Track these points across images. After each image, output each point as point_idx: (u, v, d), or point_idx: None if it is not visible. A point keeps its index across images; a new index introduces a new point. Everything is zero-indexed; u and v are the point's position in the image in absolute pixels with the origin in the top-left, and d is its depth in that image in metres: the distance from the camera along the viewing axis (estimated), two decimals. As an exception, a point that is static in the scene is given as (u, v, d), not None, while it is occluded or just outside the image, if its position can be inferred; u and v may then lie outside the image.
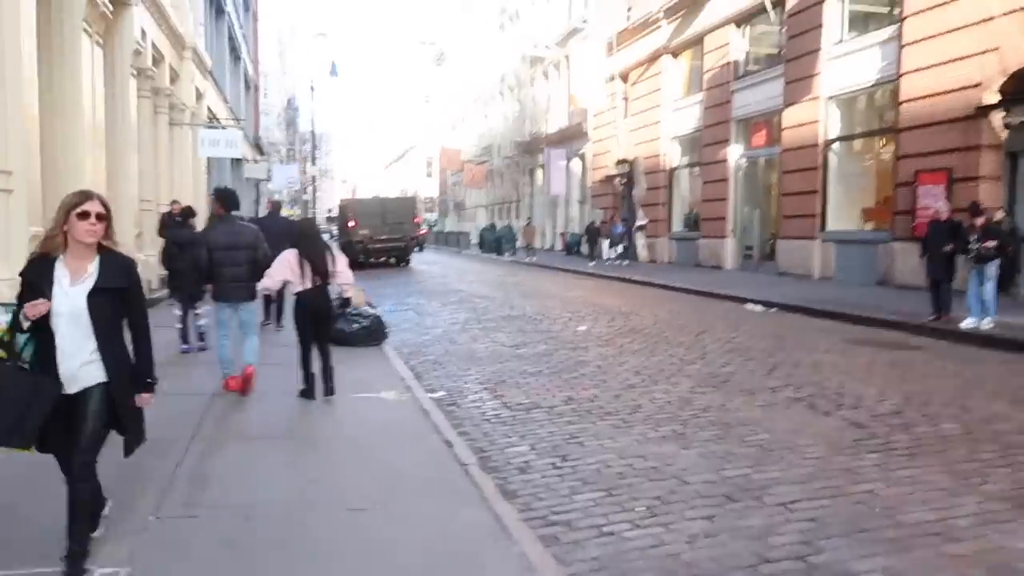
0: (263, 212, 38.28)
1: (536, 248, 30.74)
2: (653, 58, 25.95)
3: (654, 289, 17.76)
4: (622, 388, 7.32)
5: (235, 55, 31.52)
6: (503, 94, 45.90)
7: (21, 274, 3.45)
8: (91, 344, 3.26)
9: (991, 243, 9.98)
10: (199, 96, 19.28)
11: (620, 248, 25.49)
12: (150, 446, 5.15)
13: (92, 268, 3.31)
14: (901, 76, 15.26)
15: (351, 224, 27.02)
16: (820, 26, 17.72)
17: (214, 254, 6.66)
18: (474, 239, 43.52)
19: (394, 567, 3.54)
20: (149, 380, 3.54)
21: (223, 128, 18.88)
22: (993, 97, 13.30)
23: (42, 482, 3.82)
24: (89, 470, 3.36)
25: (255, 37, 42.59)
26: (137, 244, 12.15)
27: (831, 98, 17.77)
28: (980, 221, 10.25)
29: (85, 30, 9.42)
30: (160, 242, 13.28)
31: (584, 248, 28.33)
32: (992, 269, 10.09)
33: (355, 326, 9.76)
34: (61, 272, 3.29)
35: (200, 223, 10.52)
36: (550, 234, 36.64)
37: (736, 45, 21.69)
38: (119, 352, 3.38)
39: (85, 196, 3.34)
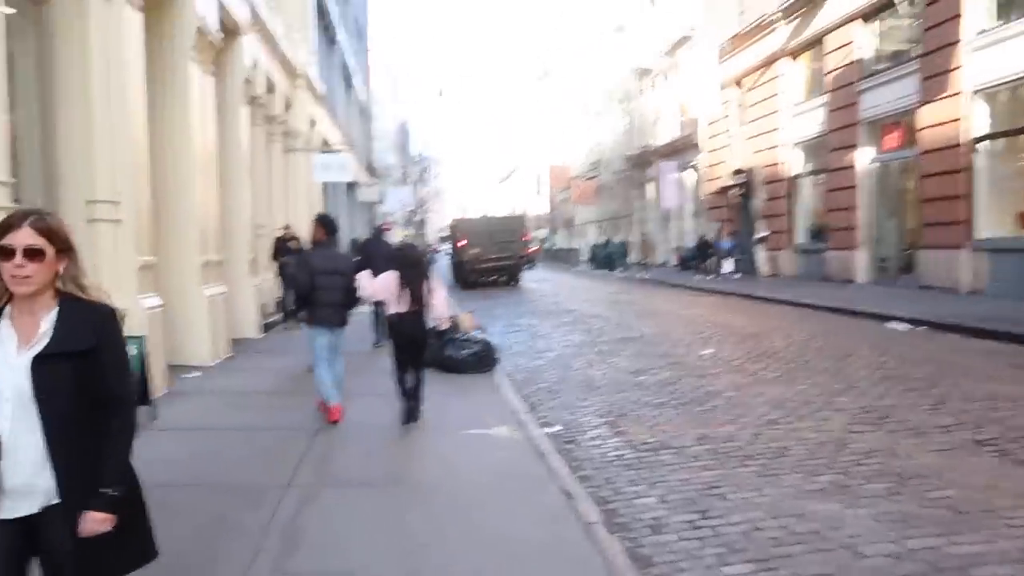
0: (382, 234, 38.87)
1: (652, 264, 29.68)
2: (769, 61, 24.59)
3: (780, 306, 16.50)
4: (762, 425, 6.45)
5: (348, 83, 32.28)
6: (610, 108, 45.12)
7: None
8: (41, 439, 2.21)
9: None
10: (312, 123, 19.60)
11: (731, 262, 24.39)
12: (244, 492, 4.85)
13: (47, 325, 2.26)
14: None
15: (460, 244, 26.96)
16: (959, 15, 16.09)
17: (314, 278, 6.69)
18: (584, 255, 42.83)
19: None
20: (108, 491, 2.27)
21: (336, 152, 19.08)
22: None
23: None
24: None
25: (367, 65, 43.73)
26: (251, 269, 12.20)
27: (976, 92, 16.04)
28: None
29: (195, 59, 9.46)
30: (274, 266, 13.44)
31: (709, 263, 27.15)
32: None
33: (464, 352, 9.29)
34: (6, 333, 2.24)
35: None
36: (663, 249, 35.47)
37: (862, 42, 20.11)
38: (78, 452, 2.25)
39: (7, 224, 2.23)
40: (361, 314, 8.79)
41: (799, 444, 5.80)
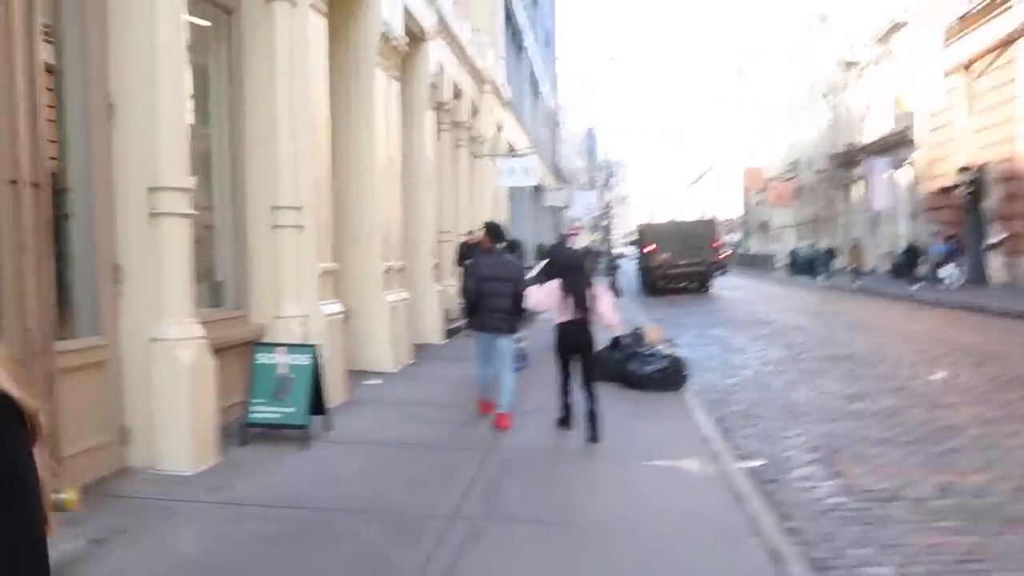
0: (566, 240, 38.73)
1: (860, 270, 27.00)
2: (1006, 43, 21.48)
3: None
4: (1025, 475, 5.18)
5: (535, 89, 32.34)
6: (813, 104, 41.96)
7: None
8: None
9: None
10: (499, 128, 19.57)
11: (951, 269, 21.59)
12: (403, 523, 4.43)
13: None
14: None
15: (648, 249, 26.00)
16: None
17: (480, 285, 6.79)
18: (781, 261, 40.13)
19: None
20: None
21: (521, 157, 18.92)
22: None
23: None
24: None
25: (554, 71, 43.80)
26: (435, 275, 12.15)
27: None
28: None
29: (380, 64, 9.45)
30: (458, 271, 13.35)
31: (919, 270, 24.30)
32: None
33: (649, 368, 8.52)
34: None
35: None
36: (872, 254, 32.29)
37: None
38: None
39: None
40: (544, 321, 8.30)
41: (1084, 507, 4.52)
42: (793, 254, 36.49)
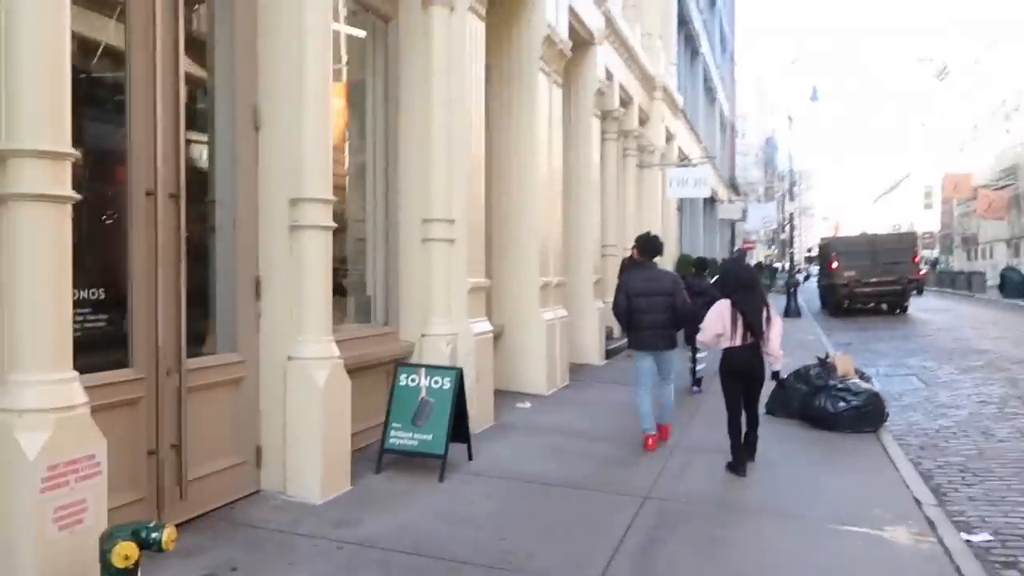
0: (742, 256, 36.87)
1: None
2: None
3: None
4: None
5: (710, 96, 30.89)
6: (1032, 103, 37.25)
7: None
8: None
9: None
10: (669, 137, 18.62)
11: None
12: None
13: None
14: None
15: (834, 265, 23.84)
16: None
17: (632, 300, 6.49)
18: (991, 280, 35.73)
19: None
20: None
21: (692, 166, 17.86)
22: None
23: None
24: None
25: (732, 78, 41.84)
26: (596, 291, 11.48)
27: None
28: None
29: (543, 70, 8.96)
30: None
31: None
32: None
33: (841, 405, 7.38)
34: None
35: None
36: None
37: None
38: None
39: None
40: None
41: None
42: (1007, 273, 32.32)
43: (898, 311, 23.69)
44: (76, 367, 3.77)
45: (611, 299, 12.41)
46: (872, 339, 16.27)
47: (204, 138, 5.00)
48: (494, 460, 6.00)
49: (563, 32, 9.46)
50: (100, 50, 4.34)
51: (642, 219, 15.92)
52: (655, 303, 6.46)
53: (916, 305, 24.84)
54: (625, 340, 11.74)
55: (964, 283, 37.13)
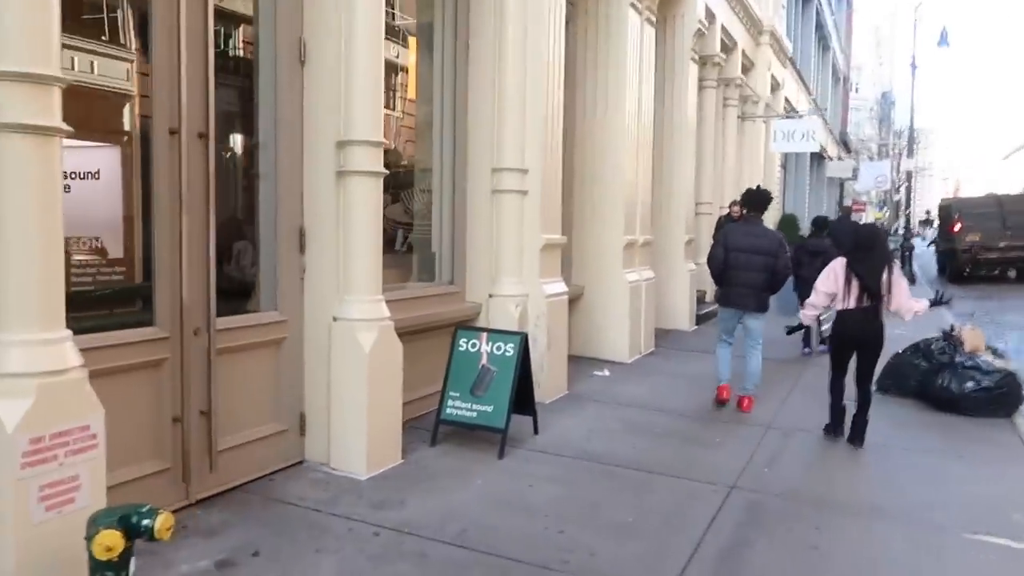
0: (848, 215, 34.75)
1: None
2: None
3: None
4: None
5: (823, 44, 28.71)
6: None
7: None
8: None
9: None
10: (775, 86, 17.22)
11: None
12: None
13: None
14: None
15: (956, 228, 21.88)
16: None
17: (729, 254, 6.22)
18: None
19: None
20: None
21: (800, 118, 16.47)
22: None
23: None
24: None
25: (848, 26, 38.91)
26: (687, 252, 10.63)
27: None
28: None
29: (633, 5, 8.11)
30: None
31: None
32: None
33: (970, 385, 6.44)
34: None
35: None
36: None
37: None
38: None
39: None
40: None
41: None
42: None
43: (1030, 279, 21.64)
44: (90, 324, 3.43)
45: (704, 260, 11.59)
46: (997, 309, 14.73)
47: (243, 74, 4.54)
48: (562, 435, 5.43)
49: (658, -36, 8.56)
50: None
51: (742, 175, 14.81)
52: (753, 261, 6.16)
53: (1048, 273, 22.57)
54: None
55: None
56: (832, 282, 5.44)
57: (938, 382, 6.59)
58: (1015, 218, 21.02)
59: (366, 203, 4.52)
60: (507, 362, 5.05)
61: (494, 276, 6.27)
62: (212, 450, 3.97)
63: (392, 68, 8.22)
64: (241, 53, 4.59)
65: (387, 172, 4.66)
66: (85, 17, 4.16)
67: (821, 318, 8.37)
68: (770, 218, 17.41)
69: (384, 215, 7.18)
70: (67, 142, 2.93)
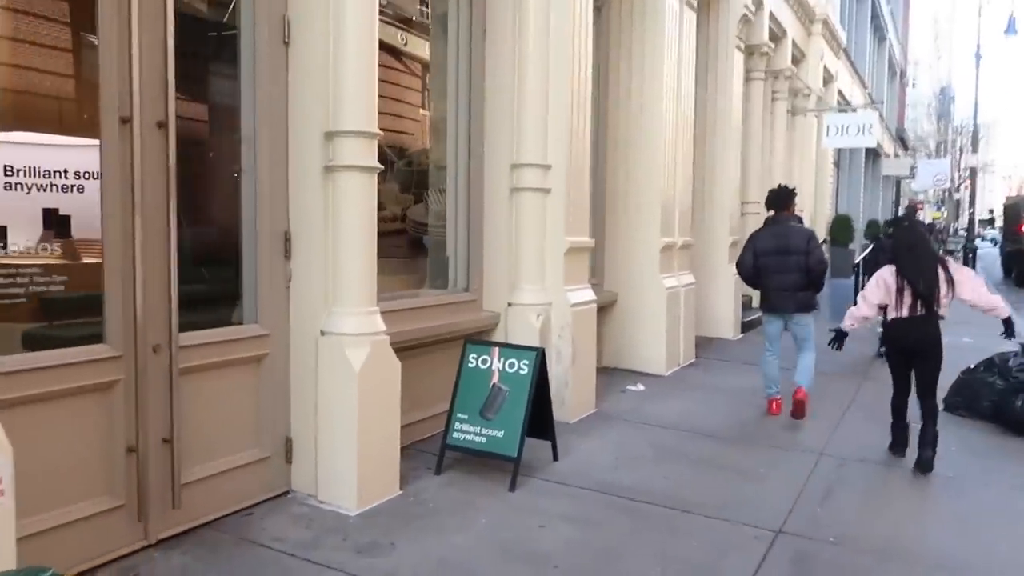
0: (904, 214, 33.29)
1: None
2: None
3: None
4: None
5: (879, 35, 27.45)
6: None
7: None
8: None
9: None
10: (828, 79, 16.30)
11: None
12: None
13: None
14: None
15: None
16: None
17: (759, 259, 6.03)
18: None
19: None
20: None
21: (854, 112, 15.54)
22: None
23: None
24: None
25: (905, 17, 37.34)
26: (732, 254, 9.90)
27: None
28: None
29: (671, -13, 7.50)
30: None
31: None
32: None
33: (1048, 406, 5.65)
34: None
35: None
36: None
37: None
38: None
39: None
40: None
41: None
42: None
43: (1104, 284, 20.31)
44: (28, 341, 2.99)
45: (750, 263, 10.85)
46: (1074, 317, 13.63)
47: (221, 57, 4.06)
48: (585, 462, 4.84)
49: (699, -57, 7.91)
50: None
51: (792, 173, 14.00)
52: (785, 262, 5.95)
53: None
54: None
55: None
56: (883, 292, 5.04)
57: (1017, 403, 5.82)
58: (1089, 218, 19.76)
59: (358, 202, 3.99)
60: (521, 381, 4.48)
61: (514, 283, 5.71)
62: (175, 483, 3.48)
63: (401, 55, 7.70)
64: (218, 33, 4.10)
65: (382, 167, 4.13)
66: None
67: None
68: (822, 218, 16.56)
69: (403, 216, 6.70)
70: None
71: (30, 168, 3.09)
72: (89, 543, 3.20)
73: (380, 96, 4.15)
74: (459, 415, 4.56)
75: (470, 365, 4.65)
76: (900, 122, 36.08)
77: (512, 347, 4.72)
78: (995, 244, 37.45)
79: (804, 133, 14.71)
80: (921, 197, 43.85)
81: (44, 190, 3.14)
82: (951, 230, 41.72)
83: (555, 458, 4.78)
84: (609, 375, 7.17)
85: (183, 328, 3.52)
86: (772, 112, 12.79)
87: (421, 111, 6.43)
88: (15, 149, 3.07)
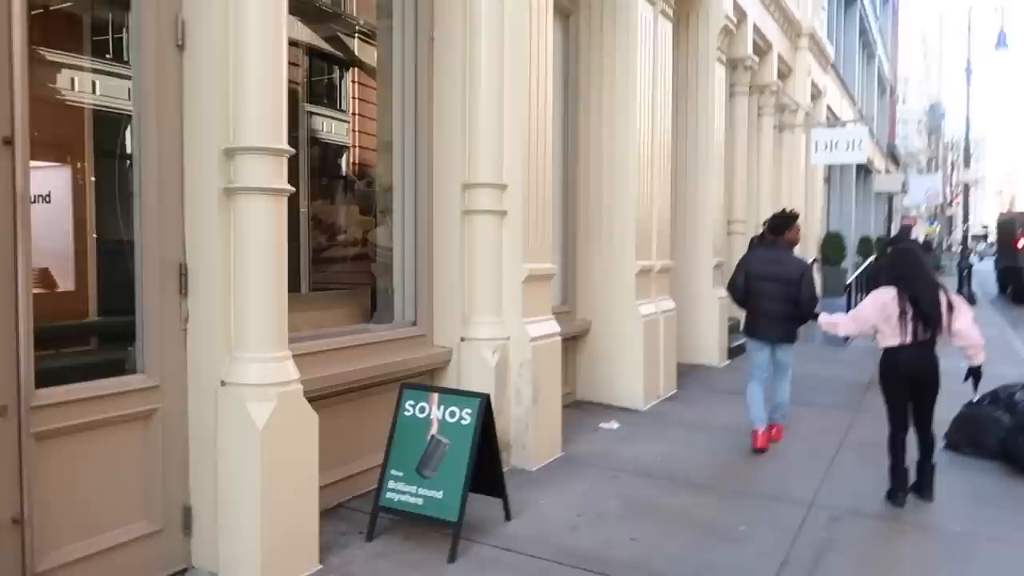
0: (896, 231, 32.89)
1: None
2: None
3: None
4: None
5: (867, 51, 27.14)
6: None
7: None
8: None
9: None
10: (816, 94, 15.87)
11: None
12: None
13: None
14: None
15: (1020, 244, 20.19)
16: None
17: (750, 282, 5.83)
18: None
19: None
20: None
21: (843, 127, 15.08)
22: None
23: None
24: None
25: (894, 33, 37.16)
26: (717, 277, 9.35)
27: None
28: None
29: (643, -7, 7.00)
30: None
31: None
32: None
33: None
34: None
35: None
36: None
37: None
38: None
39: None
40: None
41: None
42: None
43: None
44: None
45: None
46: (1074, 337, 13.14)
47: (108, 63, 3.51)
48: (542, 521, 4.25)
49: (673, -52, 7.42)
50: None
51: (780, 190, 13.53)
52: (775, 290, 5.74)
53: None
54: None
55: None
56: (879, 316, 4.64)
57: (1007, 433, 5.29)
58: (1086, 233, 19.34)
59: (264, 230, 3.43)
60: (463, 432, 3.89)
61: (467, 315, 5.14)
62: (27, 571, 2.88)
63: (363, 66, 7.19)
64: (105, 37, 3.57)
65: (292, 190, 3.57)
66: None
67: None
68: (813, 236, 16.06)
69: (364, 239, 6.13)
70: None
71: None
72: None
73: (339, 110, 3.62)
74: (393, 472, 3.97)
75: (406, 414, 4.06)
76: (891, 138, 35.78)
77: (453, 393, 4.15)
78: (981, 259, 37.16)
79: (792, 149, 14.24)
80: (914, 213, 43.58)
81: None
82: (944, 245, 41.38)
83: (507, 517, 4.19)
84: (581, 411, 6.60)
85: (46, 382, 2.95)
86: (758, 128, 12.32)
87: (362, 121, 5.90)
88: None
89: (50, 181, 4.57)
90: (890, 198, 33.76)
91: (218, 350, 3.45)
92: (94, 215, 4.13)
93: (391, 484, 3.96)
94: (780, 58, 13.05)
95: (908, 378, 4.61)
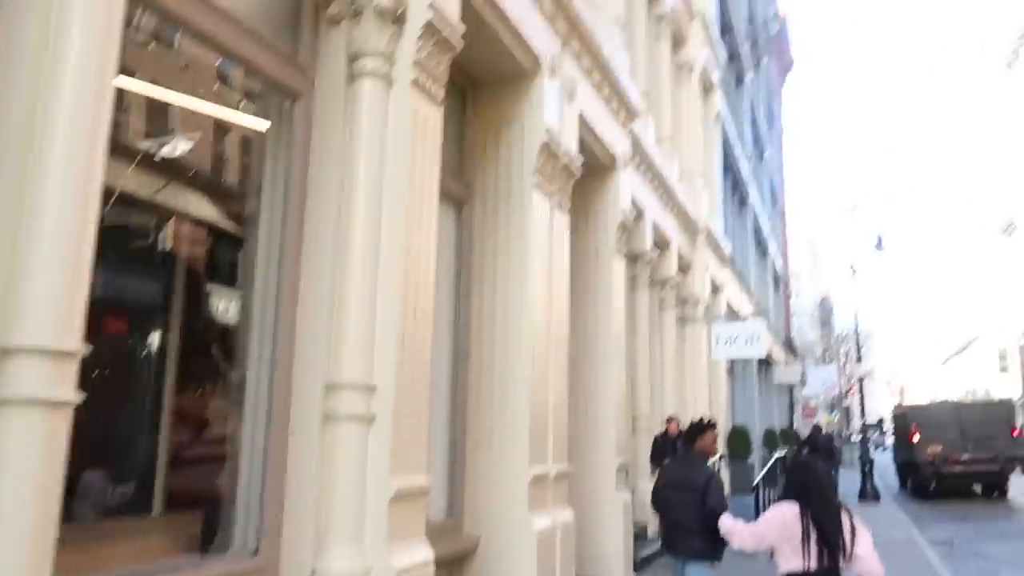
0: (797, 423, 33.39)
1: None
2: None
3: None
4: None
5: (761, 249, 28.82)
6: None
7: None
8: None
9: None
10: (716, 288, 16.32)
11: None
12: None
13: None
14: None
15: (915, 438, 20.49)
16: None
17: (660, 491, 5.54)
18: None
19: None
20: None
21: (743, 322, 15.40)
22: None
23: None
24: None
25: (783, 232, 40.00)
26: (619, 478, 8.72)
27: None
28: None
29: (540, 187, 6.85)
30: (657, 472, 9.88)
31: None
32: None
33: None
34: None
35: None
36: None
37: None
38: None
39: None
40: None
41: None
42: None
43: (996, 494, 20.10)
44: None
45: (642, 487, 9.71)
46: (979, 535, 12.93)
47: None
48: None
49: (570, 144, 7.43)
50: None
51: (684, 384, 13.36)
52: (682, 500, 5.35)
53: (1019, 487, 21.06)
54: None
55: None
56: (780, 535, 4.15)
57: None
58: (975, 428, 19.83)
59: (35, 450, 2.65)
60: None
61: (321, 541, 4.29)
62: None
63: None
64: None
65: (78, 402, 2.84)
66: None
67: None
68: (719, 430, 15.86)
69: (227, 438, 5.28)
70: None
71: None
72: None
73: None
74: None
75: None
76: (787, 330, 37.38)
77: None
78: (879, 448, 38.04)
79: (695, 342, 14.29)
80: (813, 403, 44.86)
81: None
82: (844, 435, 42.32)
83: None
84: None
85: None
86: (660, 321, 12.30)
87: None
88: None
89: None
90: (791, 389, 34.69)
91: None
92: None
93: None
94: (680, 254, 13.36)
95: None
